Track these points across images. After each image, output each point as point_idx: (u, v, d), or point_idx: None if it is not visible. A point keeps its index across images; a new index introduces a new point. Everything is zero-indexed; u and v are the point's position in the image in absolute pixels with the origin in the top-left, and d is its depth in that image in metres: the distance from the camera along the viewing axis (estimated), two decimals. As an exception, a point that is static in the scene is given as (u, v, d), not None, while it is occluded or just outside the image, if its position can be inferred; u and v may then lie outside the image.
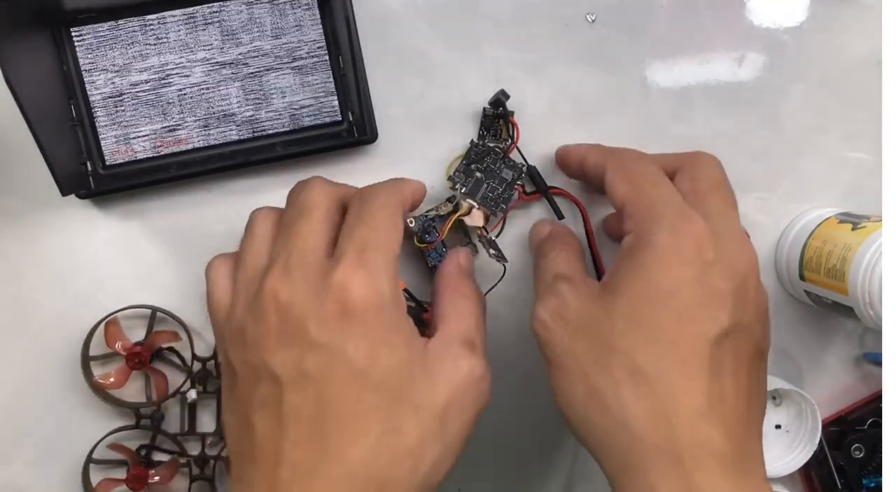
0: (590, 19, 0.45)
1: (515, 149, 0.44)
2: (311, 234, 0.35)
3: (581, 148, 0.43)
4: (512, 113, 0.44)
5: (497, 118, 0.44)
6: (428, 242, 0.42)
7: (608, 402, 0.34)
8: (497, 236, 0.44)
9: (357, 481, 0.32)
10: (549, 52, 0.45)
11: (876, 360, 0.48)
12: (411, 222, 0.42)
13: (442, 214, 0.43)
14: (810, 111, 0.46)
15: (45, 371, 0.45)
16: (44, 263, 0.44)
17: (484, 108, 0.44)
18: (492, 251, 0.42)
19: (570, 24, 0.45)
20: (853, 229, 0.42)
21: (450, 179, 0.43)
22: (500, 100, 0.43)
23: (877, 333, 0.48)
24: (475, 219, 0.43)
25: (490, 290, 0.43)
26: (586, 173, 0.41)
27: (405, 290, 0.37)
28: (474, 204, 0.43)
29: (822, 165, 0.47)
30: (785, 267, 0.46)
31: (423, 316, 0.39)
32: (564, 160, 0.44)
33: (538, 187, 0.44)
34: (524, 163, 0.44)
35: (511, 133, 0.44)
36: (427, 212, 0.43)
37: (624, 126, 0.46)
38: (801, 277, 0.45)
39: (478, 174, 0.43)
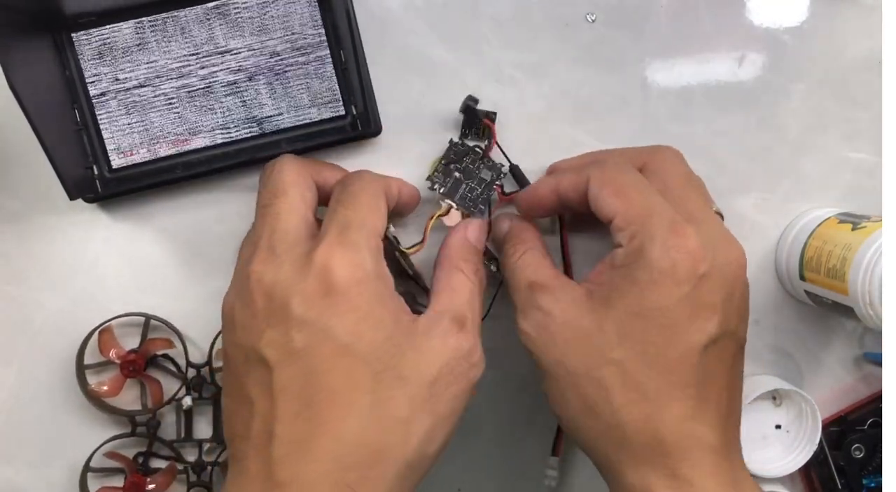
0: (590, 19, 0.45)
1: (496, 148, 0.43)
2: (289, 214, 0.36)
3: (545, 180, 0.41)
4: (494, 115, 0.43)
5: (470, 124, 0.43)
6: (411, 246, 0.41)
7: (599, 408, 0.35)
8: (486, 241, 0.43)
9: (349, 453, 0.32)
10: (549, 52, 0.45)
11: (876, 360, 0.48)
12: (390, 229, 0.41)
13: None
14: (810, 111, 0.46)
15: (43, 378, 0.44)
16: (47, 265, 0.44)
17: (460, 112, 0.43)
18: (493, 268, 0.42)
19: (570, 24, 0.45)
20: (853, 229, 0.42)
21: (429, 179, 0.42)
22: (469, 107, 0.43)
23: (877, 333, 0.48)
24: (452, 219, 0.42)
25: (493, 298, 0.43)
26: (564, 198, 0.39)
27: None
28: (453, 204, 0.42)
29: (822, 165, 0.47)
30: (785, 267, 0.46)
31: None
32: (534, 198, 0.41)
33: (521, 185, 0.44)
34: (504, 162, 0.43)
35: (487, 136, 0.43)
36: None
37: (624, 126, 0.46)
38: (802, 277, 0.45)
39: (457, 174, 0.42)
